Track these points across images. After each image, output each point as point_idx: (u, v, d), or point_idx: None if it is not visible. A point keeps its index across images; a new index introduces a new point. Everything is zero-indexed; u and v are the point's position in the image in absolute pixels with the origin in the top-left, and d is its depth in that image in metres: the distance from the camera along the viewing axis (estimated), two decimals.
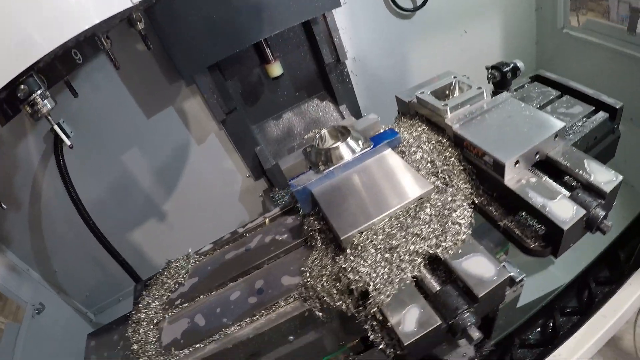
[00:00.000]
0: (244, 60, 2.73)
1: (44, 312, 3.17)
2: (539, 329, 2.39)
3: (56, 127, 1.54)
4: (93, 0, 1.37)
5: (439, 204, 1.43)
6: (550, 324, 2.35)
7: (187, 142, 3.11)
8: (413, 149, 1.68)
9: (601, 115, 1.86)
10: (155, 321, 1.79)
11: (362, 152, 1.65)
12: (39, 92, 1.44)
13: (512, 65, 1.99)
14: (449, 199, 1.45)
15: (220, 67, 2.66)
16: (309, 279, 1.53)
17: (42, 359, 2.94)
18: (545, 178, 1.48)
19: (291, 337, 1.62)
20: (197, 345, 1.59)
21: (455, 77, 1.80)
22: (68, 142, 1.53)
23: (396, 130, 1.78)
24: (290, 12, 2.47)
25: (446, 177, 1.60)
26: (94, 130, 2.83)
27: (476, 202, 1.57)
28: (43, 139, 2.73)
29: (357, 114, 3.05)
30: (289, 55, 2.84)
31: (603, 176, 1.40)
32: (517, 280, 1.89)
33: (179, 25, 2.30)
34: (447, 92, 1.81)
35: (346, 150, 1.65)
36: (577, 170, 1.43)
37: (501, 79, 2.01)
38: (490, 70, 2.04)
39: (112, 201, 3.18)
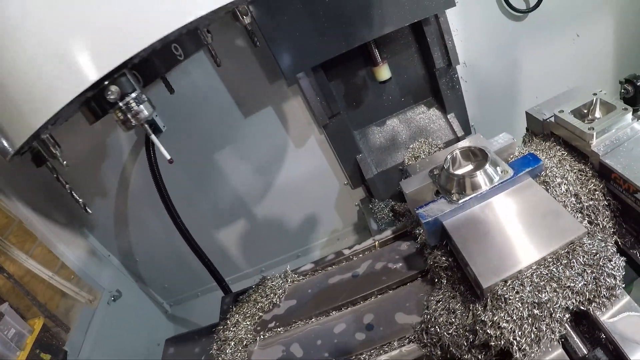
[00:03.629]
0: (350, 61, 2.53)
1: (120, 300, 3.20)
2: None
3: (153, 138, 1.27)
4: None
5: (593, 250, 1.22)
6: None
7: (284, 144, 2.95)
8: (557, 179, 1.47)
9: None
10: (244, 343, 1.69)
11: (501, 181, 1.44)
12: (133, 95, 1.14)
13: None
14: (603, 244, 1.25)
15: (325, 68, 2.48)
16: (431, 324, 1.35)
17: (115, 345, 2.96)
18: None
19: None
20: None
21: (595, 94, 1.57)
22: (167, 156, 1.31)
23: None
24: (402, 11, 2.24)
25: (591, 214, 1.42)
26: (188, 127, 2.76)
27: (619, 243, 1.40)
28: (135, 131, 2.67)
29: (464, 123, 2.77)
30: (397, 58, 2.61)
31: None
32: None
33: (284, 20, 2.14)
34: (585, 110, 1.59)
35: (483, 178, 1.44)
36: None
37: (635, 94, 1.82)
38: (623, 85, 1.85)
39: (200, 197, 3.12)
